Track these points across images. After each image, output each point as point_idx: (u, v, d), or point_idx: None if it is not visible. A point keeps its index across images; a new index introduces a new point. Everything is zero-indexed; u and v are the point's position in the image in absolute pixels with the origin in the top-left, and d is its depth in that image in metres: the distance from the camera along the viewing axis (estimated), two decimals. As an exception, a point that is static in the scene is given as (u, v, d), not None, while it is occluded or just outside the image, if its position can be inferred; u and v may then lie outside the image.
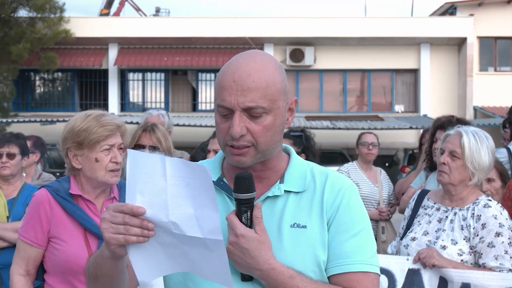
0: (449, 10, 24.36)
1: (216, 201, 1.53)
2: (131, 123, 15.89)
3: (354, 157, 6.44)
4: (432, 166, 5.06)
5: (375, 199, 6.02)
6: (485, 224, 3.20)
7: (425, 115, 21.72)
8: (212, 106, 23.65)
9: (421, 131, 8.47)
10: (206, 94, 24.39)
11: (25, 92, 24.34)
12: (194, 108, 24.37)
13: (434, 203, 3.46)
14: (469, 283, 3.09)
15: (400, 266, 3.28)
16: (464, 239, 3.24)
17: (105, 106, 21.56)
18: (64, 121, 17.74)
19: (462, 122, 4.54)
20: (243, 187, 1.67)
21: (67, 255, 2.82)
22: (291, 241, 1.73)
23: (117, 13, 28.20)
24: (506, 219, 3.23)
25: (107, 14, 27.62)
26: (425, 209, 3.48)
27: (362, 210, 1.82)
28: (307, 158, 4.37)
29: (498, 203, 3.34)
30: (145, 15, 28.85)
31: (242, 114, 1.69)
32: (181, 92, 24.54)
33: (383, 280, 3.23)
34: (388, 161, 21.60)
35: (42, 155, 5.94)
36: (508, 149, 5.37)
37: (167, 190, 1.55)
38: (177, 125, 15.41)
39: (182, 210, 1.55)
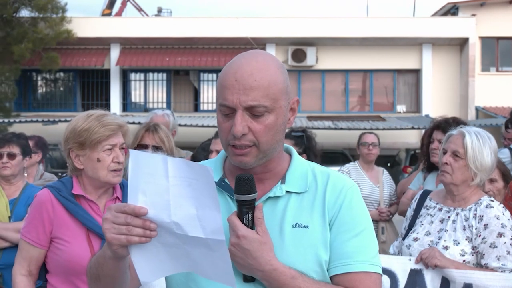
0: (451, 10, 24.35)
1: (218, 201, 1.53)
2: (133, 123, 15.91)
3: (356, 157, 6.44)
4: (429, 167, 5.06)
5: (376, 200, 6.01)
6: (487, 224, 3.20)
7: (427, 115, 21.70)
8: (214, 106, 23.64)
9: (423, 131, 8.46)
10: (208, 94, 24.39)
11: (27, 92, 24.37)
12: (196, 108, 24.38)
13: (436, 203, 3.46)
14: (471, 283, 3.09)
15: (402, 266, 3.28)
16: (466, 239, 3.24)
17: (107, 106, 21.55)
18: (66, 121, 17.76)
19: (459, 122, 4.54)
20: (244, 188, 1.67)
21: (69, 255, 2.82)
22: (293, 241, 1.73)
23: (119, 13, 28.20)
24: (508, 219, 3.23)
25: (109, 14, 27.63)
26: (427, 209, 3.48)
27: (364, 210, 1.82)
28: (308, 158, 4.37)
29: (500, 203, 3.34)
30: (147, 15, 28.86)
31: (244, 113, 1.69)
32: (183, 92, 24.56)
33: (385, 280, 3.23)
34: (390, 161, 21.59)
35: (44, 155, 5.94)
36: (510, 150, 5.37)
37: (169, 190, 1.55)
38: (179, 125, 15.35)
39: (184, 210, 1.55)
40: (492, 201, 3.31)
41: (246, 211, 1.68)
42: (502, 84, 22.77)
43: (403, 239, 3.50)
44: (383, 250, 5.23)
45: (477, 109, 22.69)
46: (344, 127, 19.83)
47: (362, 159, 6.27)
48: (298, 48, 22.68)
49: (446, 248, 3.23)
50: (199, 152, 4.93)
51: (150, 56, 23.22)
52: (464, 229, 3.26)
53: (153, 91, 24.63)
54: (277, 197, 1.78)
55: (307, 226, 1.74)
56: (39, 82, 25.33)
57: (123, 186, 3.08)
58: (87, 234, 2.86)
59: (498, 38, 23.41)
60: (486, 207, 3.25)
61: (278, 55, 21.78)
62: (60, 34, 21.24)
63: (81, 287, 2.82)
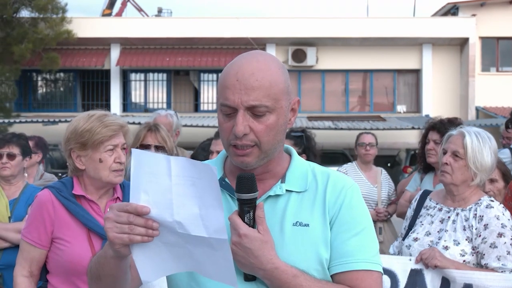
0: (451, 11, 24.35)
1: (221, 200, 1.53)
2: (133, 123, 15.91)
3: (356, 158, 6.44)
4: (426, 168, 5.07)
5: (374, 200, 6.02)
6: (487, 224, 3.20)
7: (427, 115, 21.67)
8: (214, 107, 23.67)
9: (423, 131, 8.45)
10: (208, 95, 24.40)
11: (27, 93, 24.37)
12: (196, 108, 24.39)
13: (436, 204, 3.46)
14: (471, 283, 3.09)
15: (402, 266, 3.28)
16: (466, 239, 3.24)
17: (107, 107, 21.58)
18: (66, 121, 17.76)
19: (454, 123, 4.56)
20: (245, 187, 1.67)
21: (71, 256, 2.82)
22: (293, 239, 1.73)
23: (119, 14, 28.20)
24: (509, 219, 3.23)
25: (109, 15, 27.63)
26: (427, 209, 3.48)
27: (364, 209, 1.82)
28: (308, 159, 4.37)
29: (500, 203, 3.34)
30: (147, 15, 28.86)
31: (246, 113, 1.69)
32: (183, 93, 24.56)
33: (386, 280, 3.23)
34: (390, 161, 21.59)
35: (44, 156, 5.94)
36: (511, 150, 5.38)
37: (172, 190, 1.55)
38: (179, 125, 15.33)
39: (187, 210, 1.55)
40: (492, 201, 3.31)
41: (248, 210, 1.68)
42: (502, 84, 22.77)
43: (403, 239, 3.50)
44: (381, 250, 5.23)
45: (477, 109, 22.70)
46: (344, 127, 19.83)
47: (360, 159, 6.28)
48: (298, 48, 22.68)
49: (446, 248, 3.23)
50: (199, 152, 4.94)
51: (150, 56, 23.22)
52: (464, 229, 3.26)
53: (153, 92, 24.64)
54: (277, 196, 1.79)
55: (308, 225, 1.75)
56: (39, 83, 25.33)
57: (124, 187, 3.09)
58: (88, 235, 2.86)
59: (498, 38, 23.41)
60: (486, 207, 3.25)
61: (278, 55, 21.78)
62: (60, 34, 21.24)
63: (82, 287, 2.82)
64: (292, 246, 1.72)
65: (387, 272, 3.23)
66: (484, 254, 3.19)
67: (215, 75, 24.01)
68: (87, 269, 1.81)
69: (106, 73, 23.74)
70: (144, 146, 4.19)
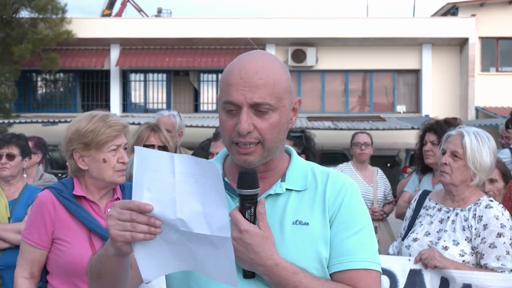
0: (450, 11, 24.34)
1: (225, 198, 1.53)
2: (133, 123, 15.90)
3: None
4: (423, 169, 5.08)
5: (369, 199, 6.04)
6: (486, 224, 3.20)
7: (427, 116, 21.66)
8: (214, 107, 23.67)
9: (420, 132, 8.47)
10: (208, 95, 24.39)
11: (27, 93, 24.36)
12: (196, 108, 24.37)
13: (436, 204, 3.46)
14: (471, 283, 3.09)
15: (401, 266, 3.28)
16: (465, 239, 3.24)
17: (107, 107, 21.59)
18: (66, 122, 17.74)
19: (450, 123, 4.57)
20: (247, 183, 1.67)
21: (71, 257, 2.82)
22: (293, 238, 1.74)
23: (119, 14, 28.19)
24: (508, 219, 3.23)
25: (109, 15, 27.62)
26: (427, 209, 3.48)
27: (364, 208, 1.83)
28: (307, 159, 4.36)
29: (499, 203, 3.34)
30: (147, 15, 28.84)
31: (249, 111, 1.70)
32: (183, 93, 24.55)
33: (385, 280, 3.24)
34: (390, 162, 21.58)
35: (43, 156, 5.94)
36: (511, 149, 5.38)
37: (175, 187, 1.55)
38: (179, 125, 15.33)
39: (190, 207, 1.54)
40: (491, 201, 3.31)
41: (249, 206, 1.69)
42: (502, 84, 22.76)
43: (403, 239, 3.50)
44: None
45: (477, 109, 22.69)
46: (344, 127, 19.82)
47: (355, 159, 6.30)
48: (298, 48, 22.67)
49: (445, 248, 3.23)
50: (198, 152, 4.95)
51: (150, 57, 23.21)
52: (464, 229, 3.26)
53: (153, 92, 24.62)
54: (277, 194, 1.79)
55: (308, 223, 1.75)
56: (39, 83, 25.31)
57: (123, 187, 3.09)
58: (89, 235, 2.86)
59: (498, 38, 23.40)
60: (486, 207, 3.26)
61: (278, 55, 21.76)
62: (60, 34, 21.22)
63: (82, 288, 2.82)
64: (292, 244, 1.73)
65: (386, 272, 3.23)
66: (483, 254, 3.19)
67: (215, 76, 24.00)
68: (87, 268, 1.81)
69: (106, 74, 23.73)
70: (148, 146, 4.21)
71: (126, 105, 24.17)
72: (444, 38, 22.67)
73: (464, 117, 21.69)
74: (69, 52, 23.08)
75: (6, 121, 20.22)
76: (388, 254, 3.62)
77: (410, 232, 3.47)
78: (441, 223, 3.35)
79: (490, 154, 3.31)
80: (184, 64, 23.06)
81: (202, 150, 4.95)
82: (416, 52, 23.16)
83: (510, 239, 3.18)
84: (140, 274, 1.65)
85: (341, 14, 68.80)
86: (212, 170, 1.52)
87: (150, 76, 24.54)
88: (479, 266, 3.21)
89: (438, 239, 3.29)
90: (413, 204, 3.59)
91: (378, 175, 6.30)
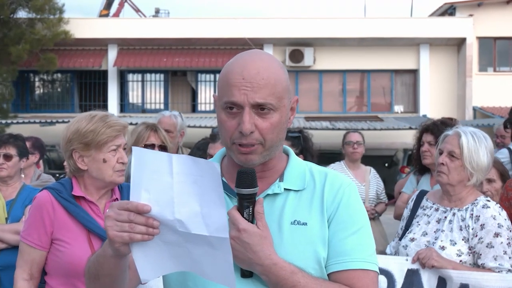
0: (448, 11, 24.35)
1: (223, 198, 1.52)
2: (131, 124, 15.88)
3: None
4: (421, 170, 5.09)
5: (361, 198, 6.04)
6: (484, 224, 3.20)
7: (424, 116, 21.68)
8: (212, 107, 23.65)
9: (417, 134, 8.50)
10: (206, 95, 24.38)
11: (24, 93, 24.32)
12: (194, 109, 24.36)
13: (433, 204, 3.46)
14: (468, 283, 3.09)
15: (399, 266, 3.28)
16: (463, 239, 3.24)
17: (104, 107, 21.53)
18: (63, 122, 17.73)
19: (447, 124, 4.58)
20: (245, 182, 1.67)
21: (71, 257, 2.81)
22: (291, 238, 1.74)
23: (116, 14, 28.17)
24: (505, 219, 3.23)
25: (107, 15, 27.60)
26: (424, 209, 3.48)
27: (361, 208, 1.83)
28: (305, 159, 4.35)
29: (496, 203, 3.34)
30: (145, 16, 28.83)
31: (251, 111, 1.70)
32: (180, 93, 24.53)
33: (382, 280, 3.24)
34: (387, 162, 21.60)
35: (41, 156, 5.94)
36: (509, 150, 5.38)
37: (173, 187, 1.54)
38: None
39: (188, 208, 1.54)
40: (488, 201, 3.32)
41: (247, 205, 1.68)
42: (499, 84, 22.77)
43: (400, 239, 3.50)
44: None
45: (474, 109, 22.70)
46: (342, 127, 19.79)
47: (348, 158, 6.31)
48: (296, 48, 22.67)
49: (442, 248, 3.23)
50: (194, 151, 4.95)
51: (148, 57, 23.19)
52: (461, 229, 3.27)
53: (150, 92, 24.60)
54: (275, 194, 1.79)
55: (306, 223, 1.75)
56: (37, 83, 25.27)
57: (122, 188, 3.09)
58: (88, 236, 2.86)
59: (496, 38, 23.42)
60: (483, 207, 3.26)
61: (276, 55, 21.74)
62: (58, 35, 21.19)
63: (82, 289, 2.81)
64: (290, 244, 1.73)
65: (384, 272, 3.23)
66: (480, 254, 3.19)
67: (212, 76, 23.99)
68: (85, 269, 1.80)
69: (104, 74, 23.70)
70: (148, 146, 4.22)
71: (124, 105, 24.15)
72: (441, 38, 22.68)
73: (462, 117, 21.72)
74: (66, 52, 23.05)
75: (3, 121, 20.18)
76: (382, 253, 3.62)
77: (407, 232, 3.47)
78: (438, 223, 3.36)
79: (487, 154, 3.31)
80: (182, 64, 23.04)
81: (198, 150, 4.96)
82: (413, 52, 23.17)
83: (507, 239, 3.19)
84: (138, 274, 1.64)
85: (338, 14, 68.91)
86: (210, 170, 1.51)
87: (148, 76, 24.52)
88: (476, 266, 3.22)
89: (435, 239, 3.29)
90: (410, 204, 3.59)
91: (371, 174, 6.32)
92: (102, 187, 2.97)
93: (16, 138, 4.66)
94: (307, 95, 23.42)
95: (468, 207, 3.31)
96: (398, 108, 23.81)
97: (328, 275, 1.75)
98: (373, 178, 6.31)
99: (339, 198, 1.79)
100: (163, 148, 4.29)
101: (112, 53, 23.24)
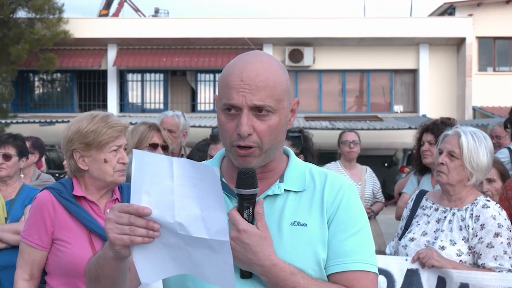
0: (448, 10, 24.36)
1: (223, 201, 1.52)
2: (130, 123, 15.88)
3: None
4: (422, 170, 5.09)
5: None
6: (484, 224, 3.20)
7: (424, 115, 21.70)
8: (211, 107, 23.66)
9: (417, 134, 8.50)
10: (205, 95, 24.38)
11: (24, 93, 24.32)
12: (193, 108, 24.36)
13: (433, 204, 3.46)
14: (468, 283, 3.09)
15: (399, 266, 3.28)
16: (462, 239, 3.24)
17: (104, 107, 21.54)
18: (63, 122, 17.73)
19: (446, 124, 4.58)
20: (245, 183, 1.67)
21: (72, 257, 2.81)
22: (291, 239, 1.73)
23: (116, 14, 28.17)
24: (505, 219, 3.23)
25: (106, 15, 27.61)
26: (424, 209, 3.48)
27: (361, 209, 1.83)
28: (305, 159, 4.37)
29: (496, 203, 3.34)
30: (144, 15, 28.83)
31: (250, 113, 1.70)
32: (180, 93, 24.53)
33: (382, 280, 3.24)
34: (387, 161, 21.60)
35: (41, 156, 5.94)
36: (509, 150, 5.37)
37: (174, 191, 1.54)
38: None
39: (188, 211, 1.54)
40: (488, 201, 3.32)
41: (247, 206, 1.68)
42: (499, 84, 22.78)
43: (400, 239, 3.50)
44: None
45: (474, 109, 22.71)
46: (342, 127, 19.75)
47: (344, 157, 6.31)
48: (295, 48, 22.67)
49: (442, 248, 3.23)
50: (194, 152, 4.95)
51: (147, 57, 23.20)
52: (461, 229, 3.26)
53: (150, 92, 24.61)
54: (276, 195, 1.79)
55: (306, 224, 1.75)
56: (36, 83, 25.27)
57: (122, 188, 3.09)
58: (89, 236, 2.85)
59: (495, 38, 23.43)
60: (483, 207, 3.26)
61: (275, 55, 21.74)
62: (57, 35, 21.19)
63: (83, 289, 2.81)
64: (289, 245, 1.72)
65: (384, 272, 3.23)
66: (481, 254, 3.19)
67: (212, 76, 23.99)
68: (86, 270, 1.80)
69: (103, 74, 23.70)
70: (153, 146, 4.23)
71: (123, 105, 24.15)
72: (441, 38, 22.68)
73: (461, 117, 21.73)
74: (66, 52, 23.06)
75: (3, 121, 20.17)
76: (378, 253, 3.62)
77: (407, 232, 3.47)
78: (438, 222, 3.36)
79: (486, 153, 3.31)
80: (182, 64, 23.05)
81: (198, 151, 4.96)
82: (413, 52, 23.17)
83: (507, 238, 3.19)
84: (138, 277, 1.64)
85: (338, 14, 68.89)
86: (210, 174, 1.51)
87: (147, 76, 24.52)
88: (476, 266, 3.22)
89: (435, 239, 3.29)
90: (410, 204, 3.59)
91: (367, 173, 6.32)
92: (103, 187, 2.97)
93: (16, 138, 4.65)
94: (307, 95, 23.42)
95: (468, 207, 3.31)
96: (398, 108, 23.82)
97: (327, 276, 1.75)
98: (369, 177, 6.31)
99: (339, 199, 1.78)
100: (165, 147, 4.30)
101: (112, 53, 23.25)
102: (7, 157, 4.46)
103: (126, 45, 23.43)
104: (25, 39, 20.72)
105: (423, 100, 23.10)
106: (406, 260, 3.28)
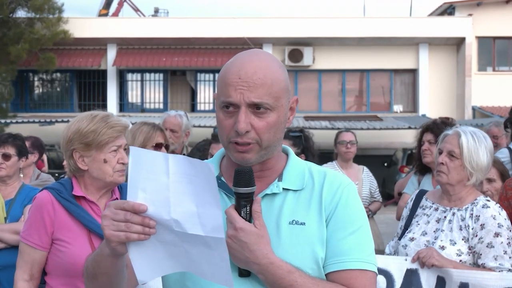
0: (447, 10, 24.37)
1: (219, 198, 1.53)
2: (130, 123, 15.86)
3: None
4: (422, 170, 5.09)
5: None
6: (484, 224, 3.20)
7: (423, 115, 21.72)
8: (211, 107, 23.67)
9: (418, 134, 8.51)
10: (205, 95, 24.39)
11: (23, 93, 24.33)
12: (193, 108, 24.37)
13: (433, 203, 3.46)
14: (468, 282, 3.09)
15: (398, 266, 3.28)
16: (462, 239, 3.24)
17: (104, 107, 21.55)
18: (63, 121, 17.73)
19: (447, 123, 4.58)
20: (243, 181, 1.67)
21: (72, 257, 2.80)
22: (289, 238, 1.73)
23: (115, 14, 28.18)
24: (505, 219, 3.23)
25: (106, 15, 27.61)
26: (424, 209, 3.48)
27: (360, 208, 1.82)
28: (306, 159, 4.37)
29: (496, 203, 3.34)
30: (144, 15, 28.83)
31: (247, 110, 1.70)
32: (179, 93, 24.54)
33: (381, 280, 3.23)
34: (387, 161, 21.61)
35: (40, 156, 5.93)
36: (509, 149, 5.38)
37: (169, 187, 1.54)
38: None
39: (184, 208, 1.54)
40: (488, 201, 3.32)
41: (244, 204, 1.68)
42: (498, 84, 22.80)
43: (399, 239, 3.50)
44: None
45: (473, 108, 22.72)
46: (341, 127, 19.80)
47: (341, 157, 6.31)
48: (295, 48, 22.68)
49: (442, 248, 3.23)
50: (194, 152, 4.96)
51: (147, 57, 23.20)
52: (461, 229, 3.26)
53: (150, 92, 24.62)
54: (274, 194, 1.79)
55: (304, 223, 1.75)
56: (36, 83, 25.28)
57: (121, 188, 3.09)
58: (89, 236, 2.85)
59: (495, 38, 23.45)
60: (483, 207, 3.26)
61: (275, 55, 21.56)
62: (57, 34, 21.20)
63: (83, 288, 2.81)
64: (288, 244, 1.72)
65: (383, 272, 3.23)
66: (481, 254, 3.19)
67: (211, 75, 24.00)
68: (83, 268, 1.80)
69: (103, 73, 23.71)
70: (158, 146, 4.24)
71: (123, 105, 24.16)
72: (441, 38, 22.69)
73: (461, 117, 21.74)
74: (65, 52, 23.07)
75: (3, 121, 20.18)
76: (376, 252, 3.62)
77: (406, 231, 3.47)
78: (438, 222, 3.35)
79: (486, 153, 3.31)
80: (181, 63, 23.06)
81: (197, 151, 4.96)
82: (413, 51, 23.19)
83: (507, 238, 3.18)
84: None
85: (338, 13, 68.83)
86: (205, 170, 1.51)
87: (147, 75, 24.53)
88: (476, 265, 3.22)
89: (435, 239, 3.29)
90: (410, 204, 3.59)
91: (364, 173, 6.32)
92: (103, 187, 2.96)
93: (15, 137, 4.65)
94: (306, 94, 23.43)
95: (468, 207, 3.31)
96: (397, 107, 23.83)
97: (326, 275, 1.75)
98: (366, 177, 6.31)
99: (338, 197, 1.78)
100: (167, 147, 4.32)
101: (111, 53, 23.25)
102: (6, 157, 4.46)
103: (126, 45, 23.43)
104: (24, 38, 20.72)
105: (423, 100, 23.12)
106: (406, 260, 3.28)
